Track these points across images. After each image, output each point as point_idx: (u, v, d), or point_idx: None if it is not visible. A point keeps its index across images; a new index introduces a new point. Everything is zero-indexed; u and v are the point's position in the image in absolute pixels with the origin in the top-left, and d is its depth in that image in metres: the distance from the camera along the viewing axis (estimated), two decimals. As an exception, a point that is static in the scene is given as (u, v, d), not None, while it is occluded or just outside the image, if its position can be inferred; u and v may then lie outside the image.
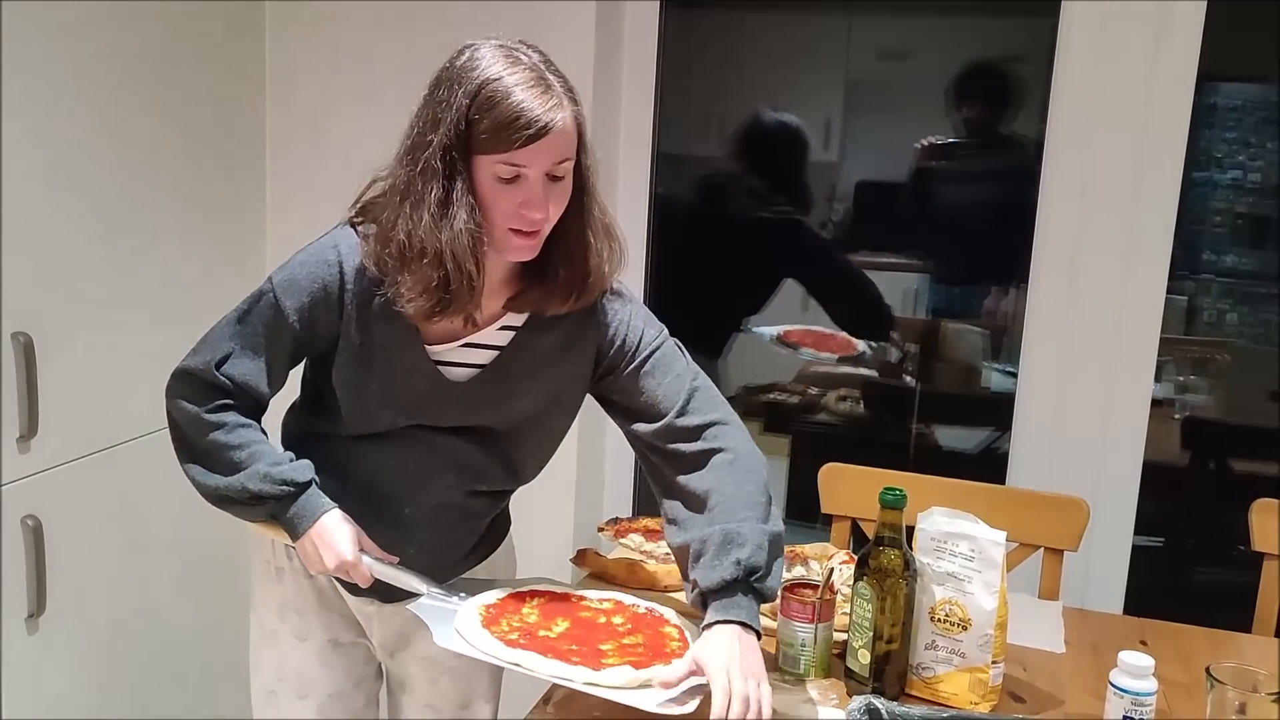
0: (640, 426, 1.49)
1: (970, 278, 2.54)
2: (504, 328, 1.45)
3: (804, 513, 2.62)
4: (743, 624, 1.32)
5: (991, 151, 2.46)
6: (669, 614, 1.47)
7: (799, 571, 1.76)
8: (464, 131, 1.29)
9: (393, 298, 1.34)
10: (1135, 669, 1.34)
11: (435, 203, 1.29)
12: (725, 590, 1.34)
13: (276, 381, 1.45)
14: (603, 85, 2.35)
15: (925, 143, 2.45)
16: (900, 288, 2.61)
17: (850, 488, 1.96)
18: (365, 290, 1.38)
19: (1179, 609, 1.82)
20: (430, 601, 1.43)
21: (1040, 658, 1.59)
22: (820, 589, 1.48)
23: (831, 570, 1.52)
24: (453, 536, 1.54)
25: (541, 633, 1.40)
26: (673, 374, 1.49)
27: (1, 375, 1.81)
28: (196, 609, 2.33)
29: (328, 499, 1.42)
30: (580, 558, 1.82)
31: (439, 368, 1.43)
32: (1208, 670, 1.33)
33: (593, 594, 1.52)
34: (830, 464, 2.00)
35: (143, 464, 2.10)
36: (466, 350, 1.44)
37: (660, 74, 2.45)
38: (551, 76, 1.33)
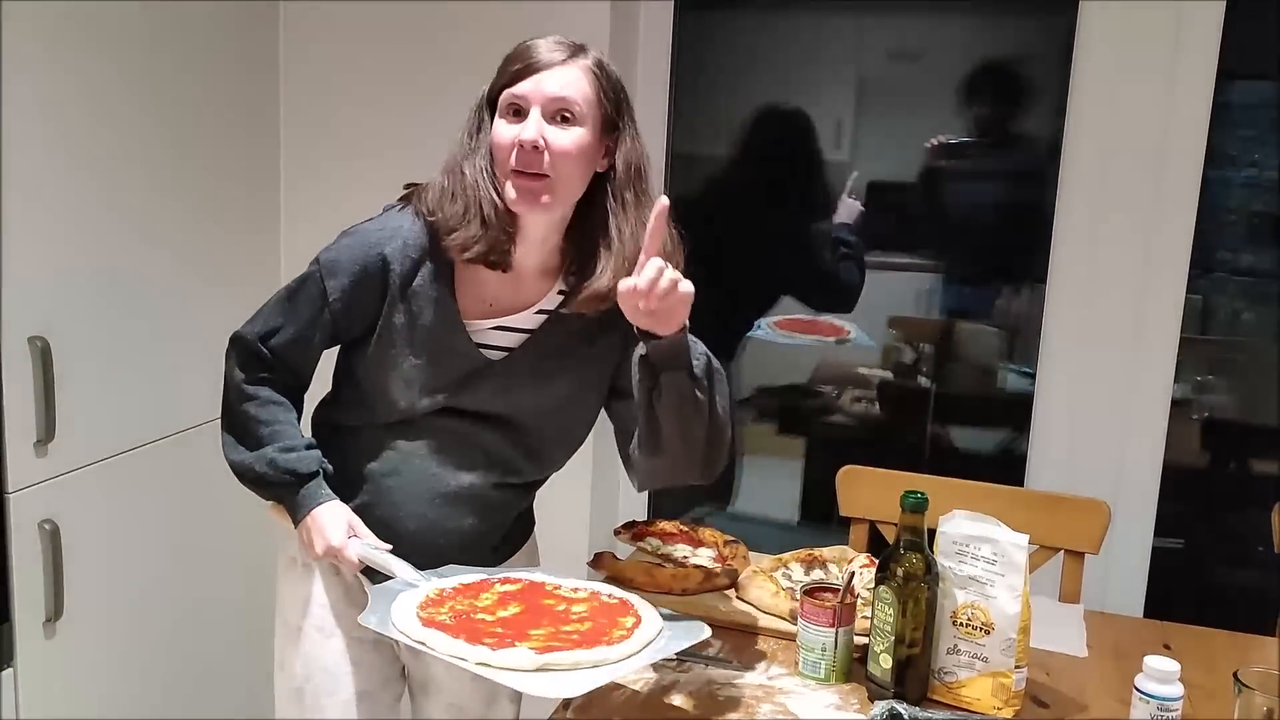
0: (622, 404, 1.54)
1: (984, 277, 2.53)
2: (539, 311, 1.50)
3: (819, 514, 2.61)
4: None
5: (1003, 150, 2.45)
6: (643, 608, 1.42)
7: (818, 575, 1.75)
8: (495, 80, 1.44)
9: (443, 233, 1.41)
10: (1161, 674, 1.33)
11: (468, 134, 1.45)
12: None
13: (314, 362, 1.52)
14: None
15: (936, 142, 2.44)
16: (913, 288, 2.60)
17: (869, 490, 1.95)
18: (408, 271, 1.43)
19: (1200, 612, 1.81)
20: (395, 585, 1.42)
21: (1063, 662, 1.58)
22: (841, 593, 1.47)
23: (852, 574, 1.51)
24: (481, 528, 1.55)
25: (481, 616, 1.37)
26: None
27: (19, 380, 1.81)
28: (215, 612, 2.33)
29: (328, 491, 1.47)
30: (597, 561, 1.81)
31: (478, 347, 1.48)
32: (1235, 675, 1.32)
33: (576, 583, 1.49)
34: (849, 466, 1.99)
35: (159, 467, 2.10)
36: (501, 333, 1.49)
37: (674, 74, 2.45)
38: (580, 48, 1.43)
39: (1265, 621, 1.82)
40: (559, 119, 1.38)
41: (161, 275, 2.12)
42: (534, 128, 1.37)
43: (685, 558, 1.84)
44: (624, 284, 1.32)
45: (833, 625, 1.46)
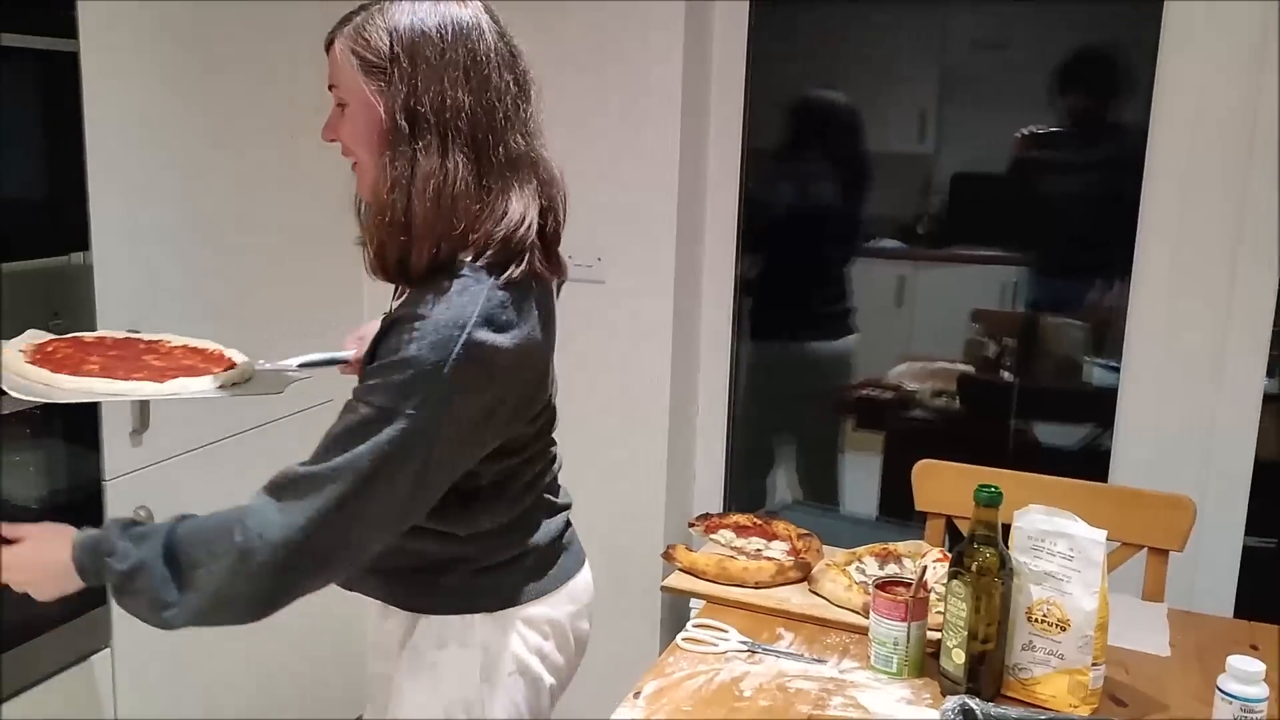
0: None
1: (1071, 271, 2.48)
2: None
3: (897, 510, 2.59)
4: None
5: (1095, 141, 2.39)
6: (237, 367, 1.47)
7: (891, 569, 1.74)
8: None
9: None
10: (1245, 674, 1.29)
11: None
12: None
13: None
14: (692, 84, 2.35)
15: (1024, 133, 2.40)
16: (998, 281, 2.56)
17: (945, 485, 1.93)
18: None
19: (1292, 613, 1.75)
20: None
21: (1143, 661, 1.54)
22: (913, 587, 1.46)
23: (925, 568, 1.50)
24: None
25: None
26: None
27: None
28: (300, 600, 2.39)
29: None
30: (670, 553, 1.83)
31: None
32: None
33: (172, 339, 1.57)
34: (925, 460, 1.97)
35: (247, 456, 2.17)
36: None
37: (750, 70, 2.44)
38: (363, 13, 1.22)
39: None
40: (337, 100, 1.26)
41: (251, 274, 2.18)
42: (329, 118, 1.27)
43: (758, 551, 1.84)
44: None
45: (905, 619, 1.45)
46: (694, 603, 2.30)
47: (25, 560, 1.26)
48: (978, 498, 1.41)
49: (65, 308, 1.75)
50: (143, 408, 1.94)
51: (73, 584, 1.24)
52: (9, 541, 1.27)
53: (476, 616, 1.34)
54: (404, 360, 1.14)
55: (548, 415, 1.37)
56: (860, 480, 2.77)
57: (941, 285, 2.73)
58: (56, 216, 1.78)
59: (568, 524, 1.46)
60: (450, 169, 1.18)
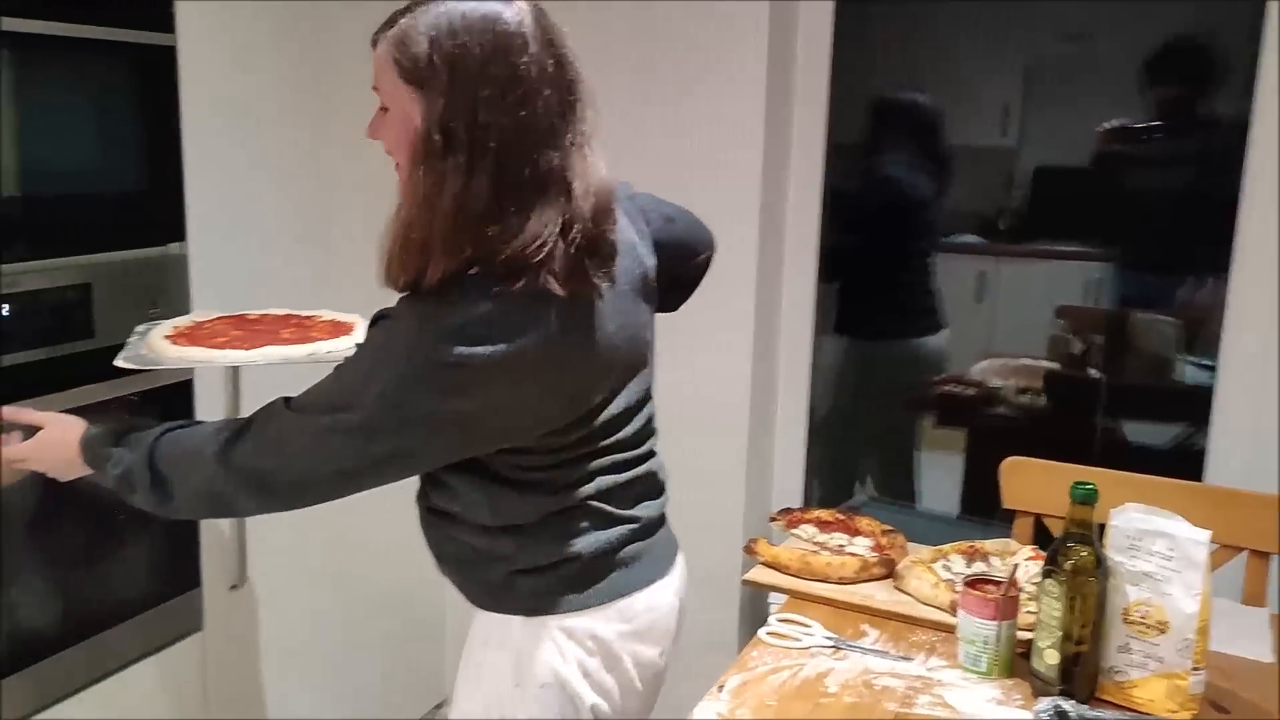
0: None
1: (1161, 267, 2.42)
2: None
3: (980, 508, 2.55)
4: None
5: (1186, 134, 2.33)
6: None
7: (979, 567, 1.71)
8: None
9: None
10: (1355, 682, 1.25)
11: None
12: None
13: None
14: (776, 81, 2.34)
15: (1110, 126, 2.34)
16: (1081, 277, 2.52)
17: (1034, 482, 1.89)
18: None
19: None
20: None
21: (1246, 667, 1.50)
22: (1004, 585, 1.43)
23: (1016, 566, 1.47)
24: None
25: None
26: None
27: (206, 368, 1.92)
28: (388, 590, 2.43)
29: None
30: (752, 547, 1.82)
31: None
32: None
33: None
34: (1014, 457, 1.93)
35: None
36: None
37: (834, 66, 2.42)
38: (407, 16, 1.20)
39: None
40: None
41: (338, 265, 2.21)
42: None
43: (841, 546, 1.82)
44: None
45: (995, 618, 1.42)
46: (773, 597, 2.29)
47: (44, 450, 1.41)
48: (1073, 495, 1.38)
49: (163, 297, 1.79)
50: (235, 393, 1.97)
51: (85, 471, 1.38)
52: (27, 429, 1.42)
53: (514, 619, 1.33)
54: (374, 350, 1.20)
55: (591, 426, 1.29)
56: (940, 478, 2.74)
57: (1023, 281, 2.69)
58: (153, 208, 1.82)
59: (632, 540, 1.36)
60: (475, 189, 1.15)
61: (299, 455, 1.22)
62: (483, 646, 1.37)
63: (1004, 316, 2.71)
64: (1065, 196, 2.49)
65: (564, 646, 1.32)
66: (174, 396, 1.84)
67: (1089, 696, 1.38)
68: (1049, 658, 1.38)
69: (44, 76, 1.62)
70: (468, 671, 1.39)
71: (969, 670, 1.45)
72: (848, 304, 2.64)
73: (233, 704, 2.07)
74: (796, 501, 2.55)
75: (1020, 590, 1.47)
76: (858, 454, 2.84)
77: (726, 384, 2.40)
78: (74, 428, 1.39)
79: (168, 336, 1.53)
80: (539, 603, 1.33)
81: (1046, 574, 1.39)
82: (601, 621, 1.34)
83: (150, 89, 1.77)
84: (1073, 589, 1.36)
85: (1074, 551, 1.37)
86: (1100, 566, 1.37)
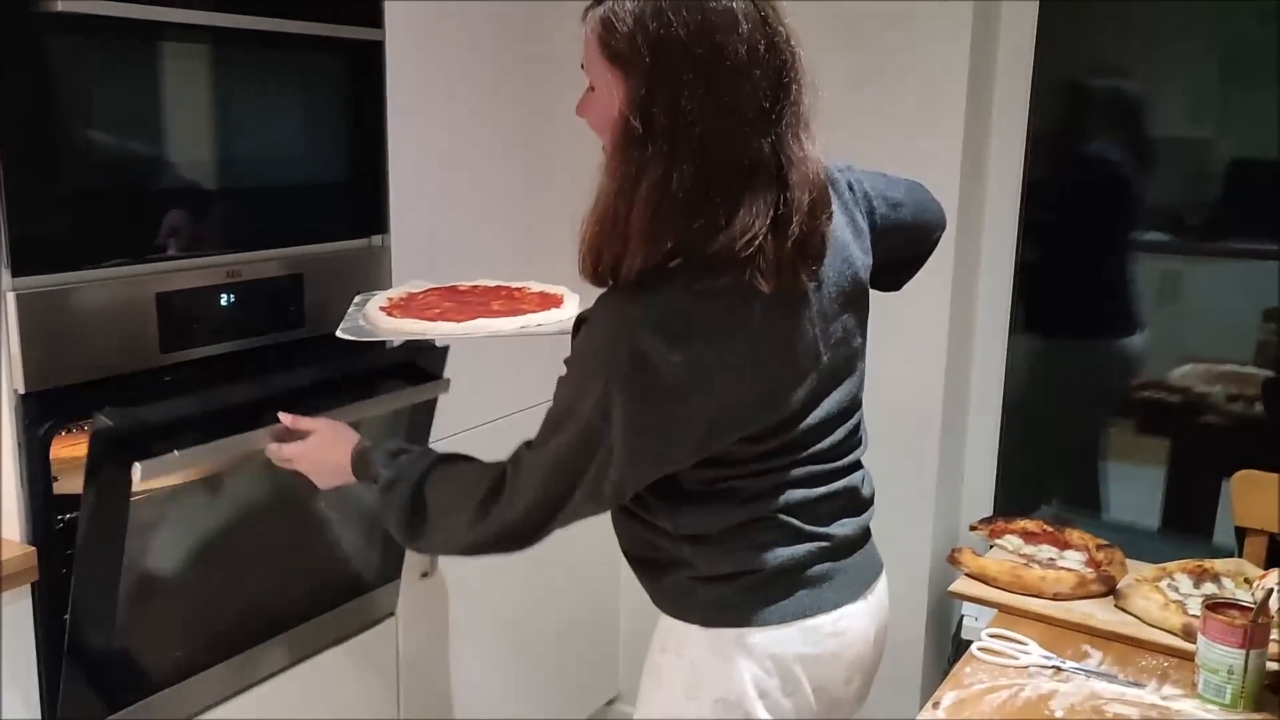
0: None
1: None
2: None
3: (1188, 524, 2.40)
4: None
5: None
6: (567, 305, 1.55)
7: (1209, 588, 1.59)
8: None
9: None
10: None
11: None
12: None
13: None
14: (977, 78, 2.25)
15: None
16: (1284, 278, 2.34)
17: (1272, 498, 1.76)
18: None
19: None
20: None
21: None
22: (1255, 611, 1.32)
23: (1270, 591, 1.36)
24: None
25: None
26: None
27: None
28: (566, 588, 2.45)
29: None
30: (956, 557, 1.74)
31: None
32: None
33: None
34: (1246, 471, 1.80)
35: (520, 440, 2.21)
36: None
37: (1038, 63, 2.32)
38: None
39: None
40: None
41: (538, 261, 2.20)
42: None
43: (1051, 560, 1.73)
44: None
45: (1243, 646, 1.32)
46: (967, 608, 2.20)
47: (314, 454, 1.45)
48: (1339, 517, 1.26)
49: (365, 288, 1.82)
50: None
51: (349, 480, 1.41)
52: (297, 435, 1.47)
53: (693, 628, 1.29)
54: (577, 362, 1.18)
55: (785, 436, 1.24)
56: (1137, 488, 2.59)
57: (1218, 281, 2.52)
58: (358, 200, 1.85)
59: (823, 558, 1.29)
60: (676, 179, 1.10)
61: (538, 489, 1.20)
62: (662, 652, 1.33)
63: (1203, 319, 2.54)
64: (1268, 190, 2.32)
65: (741, 663, 1.26)
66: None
67: (1352, 737, 1.27)
68: (1306, 692, 1.27)
69: (262, 72, 1.66)
70: (649, 674, 1.36)
71: (1209, 701, 1.35)
72: (1042, 303, 2.52)
73: (423, 684, 2.10)
74: (986, 510, 2.44)
75: (1272, 617, 1.36)
76: (1050, 461, 2.71)
77: (919, 386, 2.32)
78: (345, 437, 1.42)
79: (383, 308, 1.55)
80: (718, 613, 1.27)
81: (1305, 601, 1.28)
82: (783, 641, 1.27)
83: (358, 83, 1.80)
84: (1336, 619, 1.25)
85: (1337, 578, 1.26)
86: (1368, 596, 1.25)
